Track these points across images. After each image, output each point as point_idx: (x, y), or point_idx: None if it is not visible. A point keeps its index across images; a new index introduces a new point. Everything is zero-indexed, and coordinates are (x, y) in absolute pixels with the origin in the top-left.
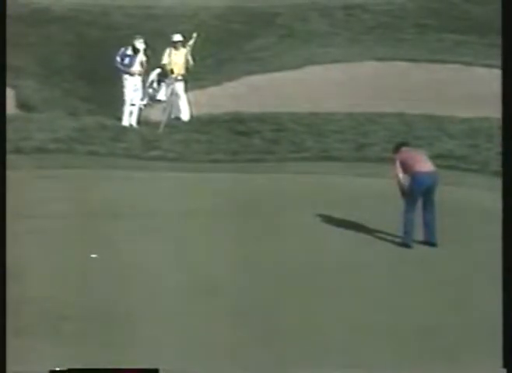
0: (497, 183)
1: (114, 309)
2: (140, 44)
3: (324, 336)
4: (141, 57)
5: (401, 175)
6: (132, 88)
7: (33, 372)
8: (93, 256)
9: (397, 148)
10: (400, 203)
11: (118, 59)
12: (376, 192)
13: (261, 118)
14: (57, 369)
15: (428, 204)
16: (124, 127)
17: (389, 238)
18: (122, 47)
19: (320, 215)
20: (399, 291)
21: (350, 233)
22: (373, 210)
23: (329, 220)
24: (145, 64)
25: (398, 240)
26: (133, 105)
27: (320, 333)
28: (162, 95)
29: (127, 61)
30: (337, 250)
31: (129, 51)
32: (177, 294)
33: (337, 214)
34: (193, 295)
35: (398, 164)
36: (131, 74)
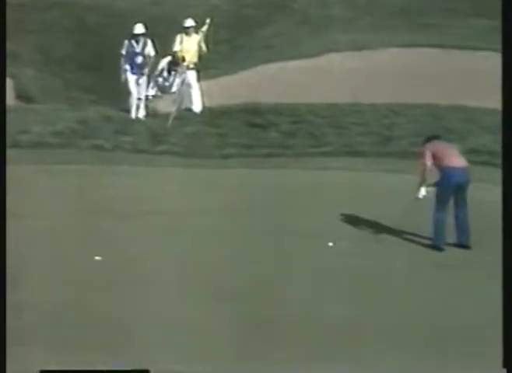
0: None
1: (116, 311)
2: (140, 29)
3: (342, 337)
4: (145, 43)
5: (429, 163)
6: (136, 82)
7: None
8: (97, 258)
9: (427, 140)
10: (430, 201)
11: (124, 54)
12: (402, 190)
13: (278, 109)
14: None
15: (460, 203)
16: (130, 119)
17: (418, 240)
18: (125, 34)
19: (342, 215)
20: (421, 294)
21: (375, 234)
22: (400, 210)
23: (351, 220)
24: (151, 53)
25: (427, 242)
26: (139, 99)
27: (337, 334)
28: (172, 84)
29: (131, 54)
30: (359, 253)
31: (134, 44)
32: (185, 293)
33: (360, 214)
34: (201, 294)
35: (427, 153)
36: (139, 67)
